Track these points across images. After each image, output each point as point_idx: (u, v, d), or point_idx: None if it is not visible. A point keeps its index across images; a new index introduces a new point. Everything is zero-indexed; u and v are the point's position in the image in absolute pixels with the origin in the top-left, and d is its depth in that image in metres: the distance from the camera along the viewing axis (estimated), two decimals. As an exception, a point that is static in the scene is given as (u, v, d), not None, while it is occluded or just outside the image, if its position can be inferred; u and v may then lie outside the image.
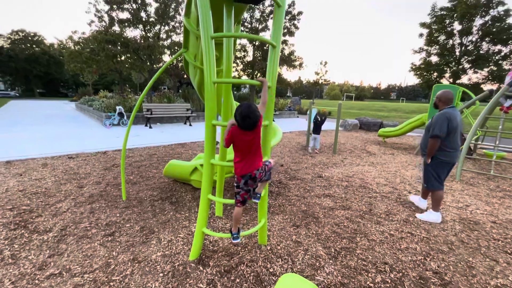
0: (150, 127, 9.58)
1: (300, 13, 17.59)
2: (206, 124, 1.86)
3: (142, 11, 13.56)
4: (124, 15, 13.64)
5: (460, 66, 22.66)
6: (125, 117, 9.69)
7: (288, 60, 17.89)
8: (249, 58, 18.42)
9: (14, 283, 1.89)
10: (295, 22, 17.89)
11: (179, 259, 2.24)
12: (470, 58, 22.23)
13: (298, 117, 17.84)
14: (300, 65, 18.63)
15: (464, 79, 23.72)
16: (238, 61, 18.05)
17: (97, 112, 11.28)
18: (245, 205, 2.15)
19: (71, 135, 7.90)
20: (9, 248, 2.29)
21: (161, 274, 2.05)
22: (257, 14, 17.36)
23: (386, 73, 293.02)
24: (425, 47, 24.35)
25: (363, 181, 4.56)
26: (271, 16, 17.59)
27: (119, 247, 2.40)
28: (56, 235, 2.53)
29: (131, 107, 10.65)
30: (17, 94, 41.27)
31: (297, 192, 3.96)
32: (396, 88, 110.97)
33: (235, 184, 2.04)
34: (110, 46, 12.34)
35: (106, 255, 2.27)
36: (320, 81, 23.41)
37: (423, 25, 23.78)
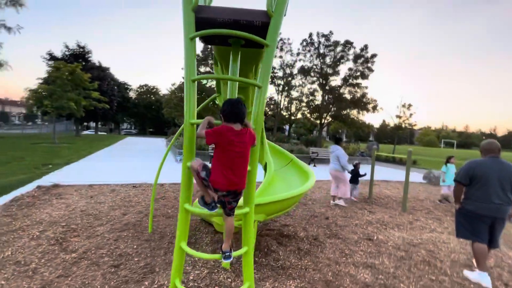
0: (213, 164, 10.34)
1: (374, 55, 16.90)
2: (182, 167, 1.80)
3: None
4: (207, 69, 16.41)
5: None
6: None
7: (359, 103, 16.87)
8: (318, 102, 18.44)
9: (16, 297, 2.10)
10: (369, 65, 17.20)
11: (155, 309, 2.06)
12: None
13: (372, 164, 15.92)
14: (374, 108, 17.20)
15: None
16: (303, 104, 18.29)
17: (174, 149, 13.07)
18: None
19: (146, 167, 9.24)
20: (37, 262, 2.63)
21: (129, 323, 1.90)
22: (327, 60, 17.66)
23: (504, 117, 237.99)
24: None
25: (431, 255, 3.43)
26: (342, 61, 17.53)
27: (114, 280, 2.41)
28: (76, 257, 2.78)
29: (201, 145, 11.93)
30: (135, 132, 52.97)
31: (331, 255, 3.28)
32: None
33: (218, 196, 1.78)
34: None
35: (99, 287, 2.30)
36: (403, 125, 20.67)
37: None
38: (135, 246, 3.13)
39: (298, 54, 18.57)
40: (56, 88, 14.95)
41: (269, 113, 26.12)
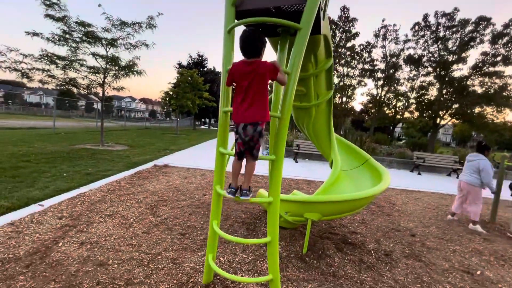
0: (296, 161, 10.32)
1: (529, 31, 11.93)
2: (216, 152, 1.95)
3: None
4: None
5: None
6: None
7: (494, 98, 12.32)
8: (431, 96, 14.81)
9: (114, 240, 2.85)
10: (518, 45, 12.38)
11: (198, 277, 2.34)
12: None
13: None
14: (521, 105, 12.18)
15: None
16: (412, 101, 15.05)
17: (264, 145, 13.87)
18: (242, 160, 1.93)
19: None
20: (133, 218, 3.46)
21: (174, 281, 2.25)
22: (449, 45, 13.89)
23: None
24: None
25: None
26: (472, 44, 13.29)
27: (177, 245, 2.88)
28: (159, 221, 3.47)
29: (287, 141, 12.16)
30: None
31: (401, 277, 2.73)
32: None
33: (235, 129, 1.84)
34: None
35: (165, 247, 2.81)
36: None
37: None
38: (202, 222, 3.59)
39: (406, 41, 15.56)
40: (179, 90, 18.70)
41: (372, 111, 23.28)
